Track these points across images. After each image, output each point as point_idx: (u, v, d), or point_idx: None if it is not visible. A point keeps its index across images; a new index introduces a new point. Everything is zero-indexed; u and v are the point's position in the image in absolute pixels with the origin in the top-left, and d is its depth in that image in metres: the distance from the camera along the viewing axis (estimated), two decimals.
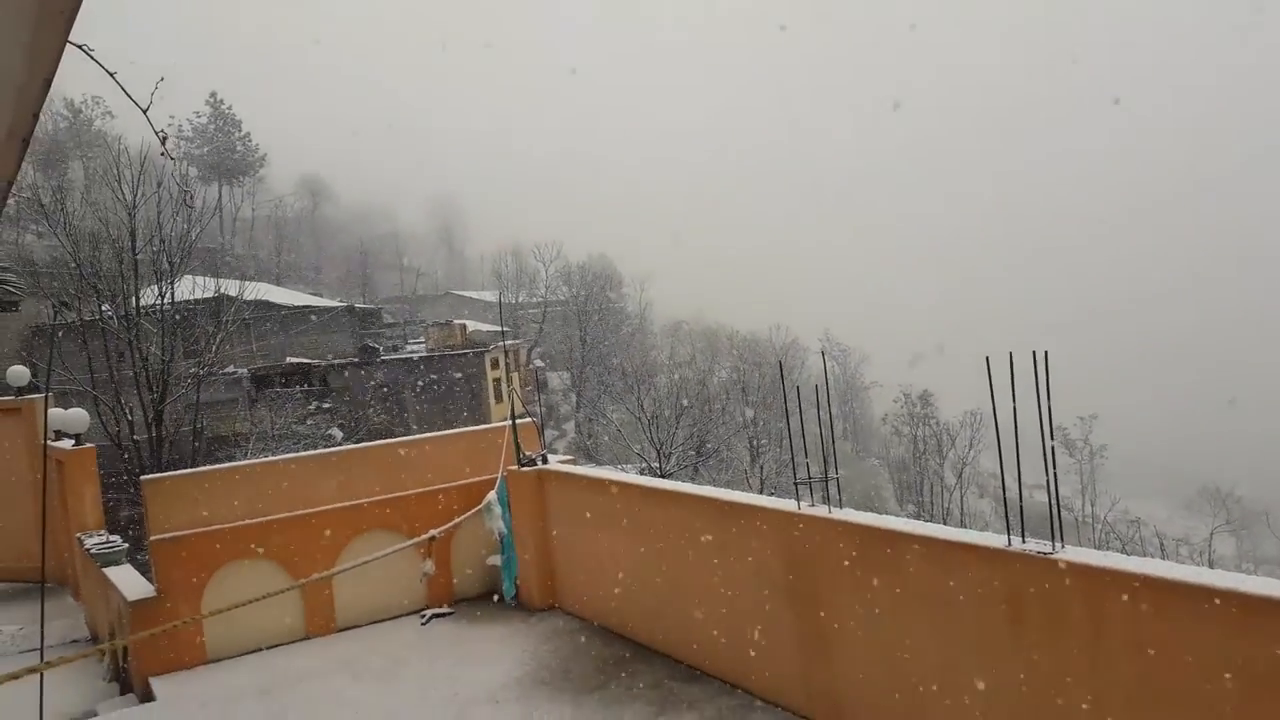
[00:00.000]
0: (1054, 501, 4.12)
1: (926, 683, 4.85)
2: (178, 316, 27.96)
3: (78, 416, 12.61)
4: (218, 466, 9.12)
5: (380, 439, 12.66)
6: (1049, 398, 4.03)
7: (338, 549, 8.53)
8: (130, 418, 26.42)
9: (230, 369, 34.78)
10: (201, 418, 28.66)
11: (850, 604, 5.29)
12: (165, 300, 27.80)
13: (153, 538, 7.94)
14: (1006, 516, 4.42)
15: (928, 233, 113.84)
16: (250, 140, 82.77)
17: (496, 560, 8.90)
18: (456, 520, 8.51)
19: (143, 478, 8.47)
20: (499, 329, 56.01)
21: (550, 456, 8.82)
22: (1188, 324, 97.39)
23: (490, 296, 72.08)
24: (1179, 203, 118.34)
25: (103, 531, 10.88)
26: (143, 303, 27.52)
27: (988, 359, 4.21)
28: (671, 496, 6.98)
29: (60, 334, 27.37)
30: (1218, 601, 3.51)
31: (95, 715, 7.58)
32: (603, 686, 6.58)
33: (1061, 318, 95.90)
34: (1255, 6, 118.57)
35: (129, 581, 8.42)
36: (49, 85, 2.31)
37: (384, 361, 45.40)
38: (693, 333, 72.89)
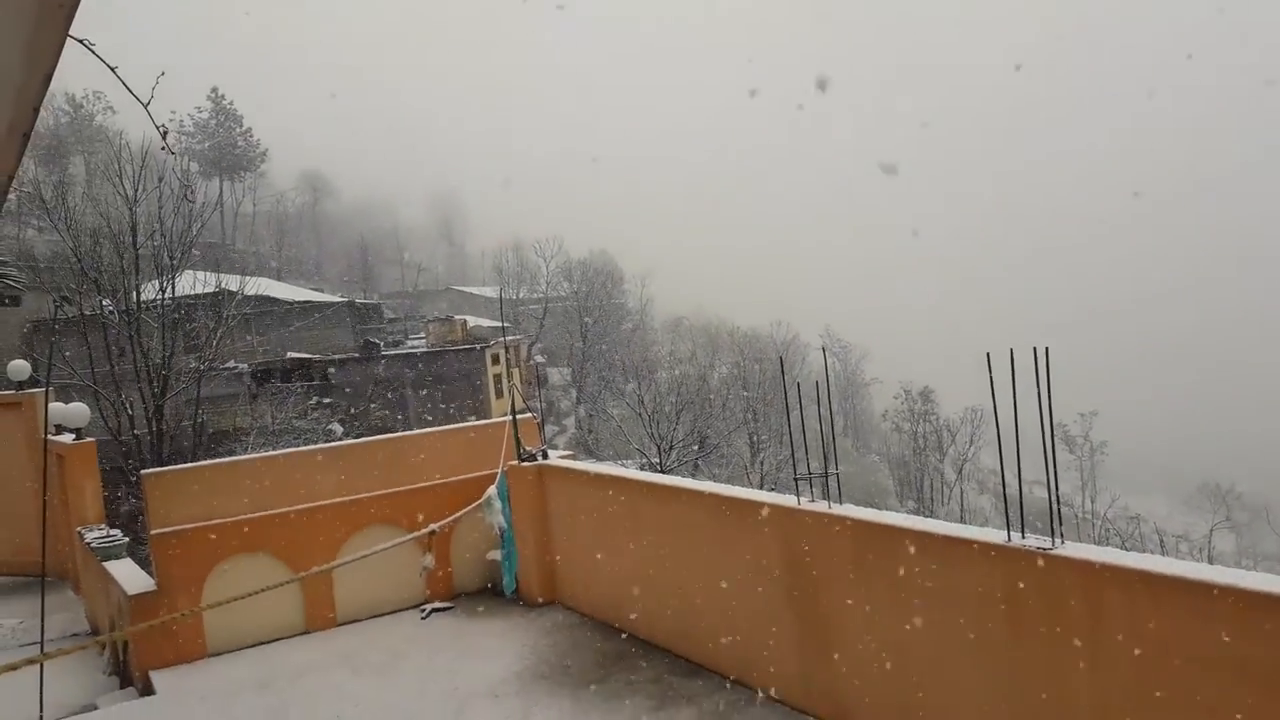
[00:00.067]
0: (1054, 498, 4.13)
1: (926, 676, 4.86)
2: (178, 312, 27.96)
3: (78, 411, 12.64)
4: (218, 461, 9.14)
5: (381, 434, 12.67)
6: (1049, 394, 4.03)
7: (338, 543, 8.56)
8: (131, 412, 26.45)
9: (231, 364, 34.77)
10: (202, 413, 28.71)
11: (850, 599, 5.30)
12: (166, 295, 27.82)
13: (153, 532, 7.96)
14: (1006, 512, 4.43)
15: (928, 233, 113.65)
16: (251, 136, 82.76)
17: (496, 555, 8.92)
18: (456, 515, 8.51)
19: (143, 472, 8.48)
20: (500, 324, 55.96)
21: (550, 452, 8.83)
22: (1188, 324, 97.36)
23: (491, 292, 71.98)
24: (1179, 203, 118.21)
25: (103, 525, 10.92)
26: (144, 298, 27.54)
27: (988, 355, 4.22)
28: (671, 492, 6.99)
29: (61, 329, 27.36)
30: (1217, 596, 3.52)
31: (95, 708, 7.60)
32: (602, 681, 6.60)
33: (1061, 317, 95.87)
34: (1255, 6, 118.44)
35: (129, 575, 8.45)
36: (49, 80, 2.31)
37: (385, 357, 45.44)
38: (693, 328, 72.80)
